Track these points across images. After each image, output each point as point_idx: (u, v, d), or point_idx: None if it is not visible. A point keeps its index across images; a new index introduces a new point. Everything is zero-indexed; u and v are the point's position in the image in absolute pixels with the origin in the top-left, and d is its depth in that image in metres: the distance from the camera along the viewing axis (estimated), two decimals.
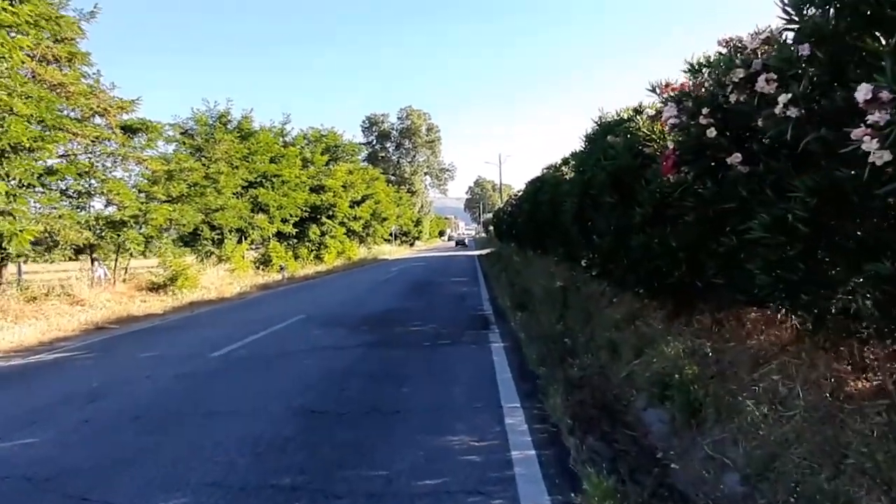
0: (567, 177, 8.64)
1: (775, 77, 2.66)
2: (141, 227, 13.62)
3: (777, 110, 2.35)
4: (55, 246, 11.84)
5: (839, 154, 2.19)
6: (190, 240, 18.78)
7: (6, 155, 9.82)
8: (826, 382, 2.93)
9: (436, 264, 27.32)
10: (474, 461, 3.30)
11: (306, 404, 4.54)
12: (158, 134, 15.04)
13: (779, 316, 3.71)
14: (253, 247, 22.95)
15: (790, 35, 2.84)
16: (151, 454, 3.59)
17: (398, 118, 70.75)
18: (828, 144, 2.35)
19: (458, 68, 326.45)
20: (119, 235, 13.03)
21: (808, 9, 2.52)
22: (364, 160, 51.29)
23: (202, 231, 18.49)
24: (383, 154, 69.59)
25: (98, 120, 13.00)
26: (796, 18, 2.59)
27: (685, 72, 3.77)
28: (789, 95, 2.32)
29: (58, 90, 11.47)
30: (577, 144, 7.14)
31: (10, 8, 9.83)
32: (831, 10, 2.43)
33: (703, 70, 3.65)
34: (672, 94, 4.05)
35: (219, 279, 16.73)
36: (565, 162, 10.04)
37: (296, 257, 24.56)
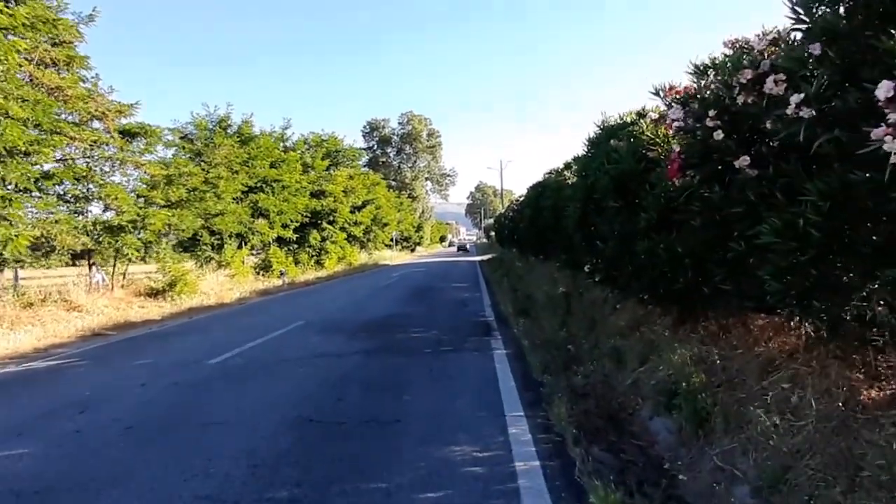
0: (569, 181, 8.58)
1: (784, 78, 2.60)
2: (139, 233, 13.53)
3: (789, 111, 2.28)
4: (52, 251, 11.73)
5: (854, 156, 2.12)
6: (189, 245, 18.70)
7: (2, 159, 9.74)
8: (838, 391, 2.85)
9: (437, 270, 27.25)
10: (477, 473, 3.21)
11: (304, 414, 4.44)
12: (157, 138, 15.00)
13: (787, 322, 3.63)
14: (253, 252, 22.89)
15: (797, 36, 2.79)
16: (143, 467, 3.49)
17: (399, 123, 70.94)
18: (841, 146, 2.28)
19: (459, 74, 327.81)
20: (117, 241, 12.94)
21: (817, 8, 2.45)
22: (365, 165, 51.31)
23: (201, 236, 18.41)
24: (384, 159, 69.65)
25: (96, 124, 12.95)
26: (805, 18, 2.52)
27: (690, 74, 3.71)
28: (802, 96, 2.25)
29: (55, 94, 11.42)
30: (579, 150, 7.09)
31: (6, 10, 9.78)
32: (841, 9, 2.37)
33: (709, 72, 3.60)
34: (676, 96, 4.00)
35: (218, 285, 16.65)
36: (567, 166, 9.99)
37: (296, 263, 24.48)
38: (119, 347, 8.41)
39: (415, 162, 71.05)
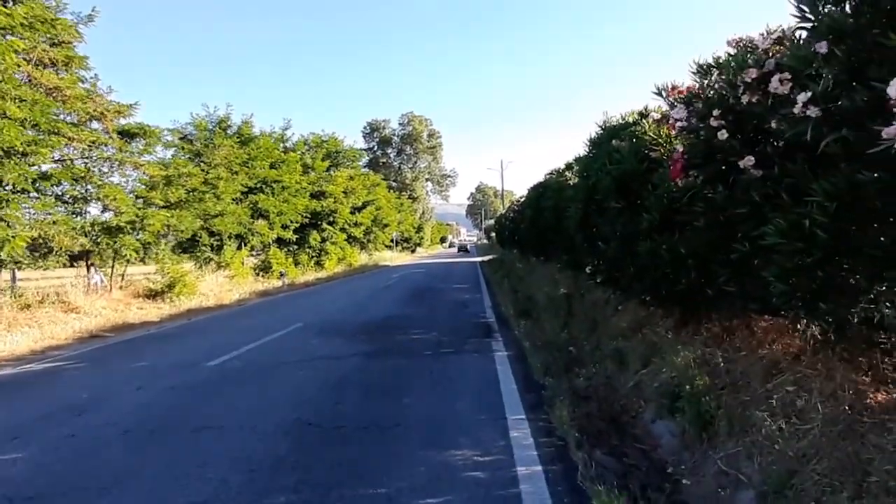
0: (571, 182, 8.54)
1: (790, 77, 2.56)
2: (138, 234, 13.47)
3: (796, 110, 2.23)
4: (50, 252, 11.67)
5: (862, 155, 2.08)
6: (188, 246, 18.64)
7: None
8: (844, 394, 2.81)
9: (437, 271, 27.22)
10: (479, 478, 3.17)
11: (303, 417, 4.39)
12: (157, 139, 14.95)
13: (791, 324, 3.59)
14: (253, 253, 22.84)
15: (803, 34, 2.75)
16: (139, 472, 3.44)
17: (399, 124, 70.78)
18: (848, 146, 2.24)
19: (460, 74, 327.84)
20: (115, 242, 12.88)
21: (823, 6, 2.41)
22: (365, 166, 51.26)
23: (201, 237, 18.36)
24: (384, 160, 69.52)
25: (95, 124, 12.88)
26: (810, 16, 2.49)
27: (693, 73, 3.67)
28: (809, 94, 2.21)
29: (54, 94, 11.36)
30: (580, 151, 7.05)
31: (3, 9, 9.72)
32: (847, 7, 2.34)
33: (712, 71, 3.56)
34: (679, 96, 3.96)
35: (218, 286, 16.60)
36: (569, 167, 9.95)
37: (296, 264, 24.43)
38: (116, 349, 8.36)
39: (415, 163, 70.94)
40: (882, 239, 2.30)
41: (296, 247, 25.72)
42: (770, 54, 2.87)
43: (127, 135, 13.87)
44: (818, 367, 3.09)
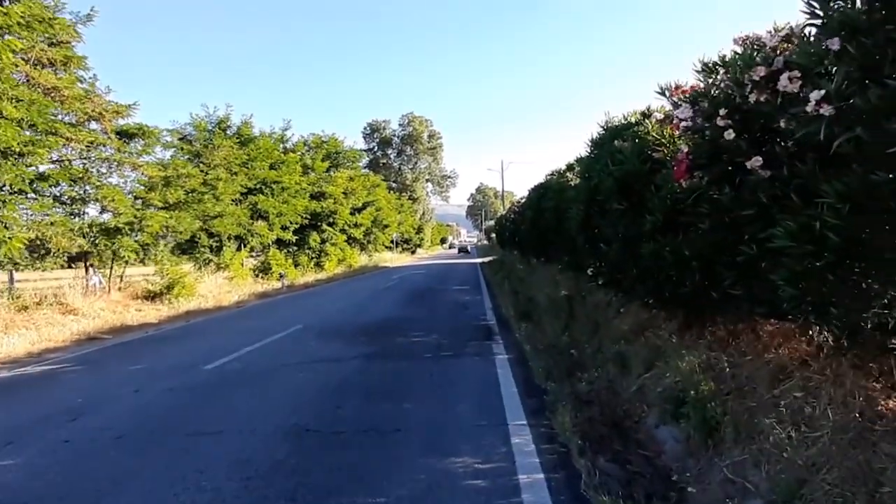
0: (572, 183, 8.47)
1: (799, 75, 2.49)
2: (136, 235, 13.40)
3: (809, 108, 2.16)
4: (47, 253, 11.60)
5: (880, 155, 2.01)
6: (188, 247, 18.57)
7: None
8: (854, 401, 2.74)
9: (437, 272, 27.16)
10: (479, 486, 3.09)
11: (301, 423, 4.32)
12: (156, 139, 14.88)
13: (797, 328, 3.52)
14: (252, 254, 22.76)
15: (812, 31, 2.68)
16: (133, 478, 3.37)
17: (400, 125, 70.63)
18: (861, 145, 2.17)
19: (460, 75, 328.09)
20: (113, 243, 12.82)
21: (834, 2, 2.34)
22: (365, 167, 51.21)
23: (200, 238, 18.29)
24: (385, 161, 69.39)
25: (93, 125, 12.80)
26: (820, 12, 2.41)
27: (698, 72, 3.60)
28: (822, 92, 2.14)
29: (52, 94, 11.29)
30: (582, 152, 6.98)
31: (0, 8, 9.66)
32: (858, 2, 2.27)
33: (718, 70, 3.49)
34: (682, 96, 3.89)
35: (217, 287, 16.54)
36: (570, 168, 9.89)
37: (296, 265, 24.36)
38: (114, 352, 8.29)
39: (415, 163, 70.81)
40: None
41: (295, 248, 25.65)
42: (778, 52, 2.81)
43: (125, 135, 13.80)
44: (827, 372, 3.03)
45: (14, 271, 11.47)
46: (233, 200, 19.60)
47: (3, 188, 10.14)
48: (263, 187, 22.18)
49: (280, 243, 23.86)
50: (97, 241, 12.55)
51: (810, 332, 3.30)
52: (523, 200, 19.27)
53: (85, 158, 12.53)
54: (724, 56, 3.36)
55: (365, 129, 70.72)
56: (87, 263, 13.51)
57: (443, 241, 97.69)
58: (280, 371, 6.27)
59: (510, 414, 4.39)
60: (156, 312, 12.48)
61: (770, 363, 3.47)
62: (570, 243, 7.66)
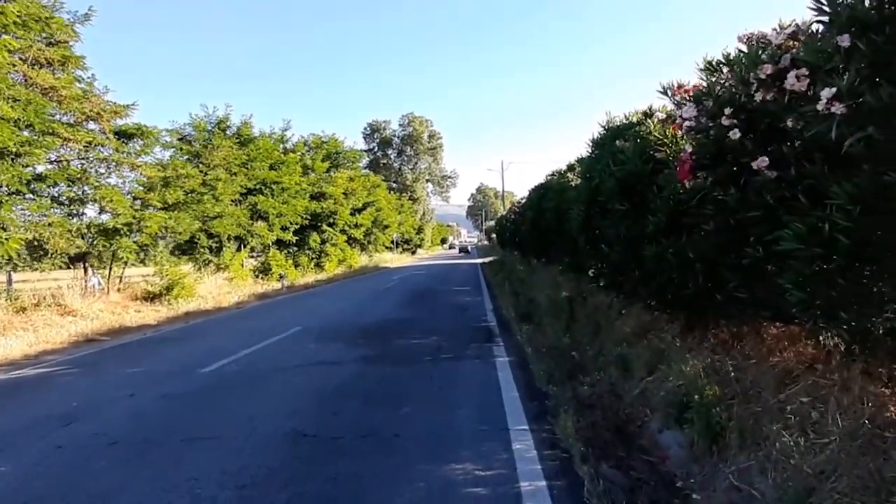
0: (573, 183, 8.41)
1: (807, 73, 2.42)
2: (135, 235, 13.34)
3: (819, 107, 2.09)
4: (46, 254, 11.54)
5: (890, 155, 1.95)
6: (187, 248, 18.51)
7: None
8: (863, 407, 2.67)
9: (438, 272, 27.09)
10: (480, 494, 3.03)
11: (298, 427, 4.25)
12: (154, 139, 14.82)
13: (803, 331, 3.45)
14: (252, 255, 22.70)
15: (819, 28, 2.62)
16: (125, 487, 3.30)
17: (400, 125, 70.53)
18: (872, 145, 2.10)
19: (460, 76, 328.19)
20: (112, 244, 12.76)
21: None
22: (365, 167, 51.16)
23: (199, 239, 18.22)
24: (385, 161, 69.29)
25: (91, 125, 12.74)
26: (828, 9, 2.35)
27: (701, 71, 3.54)
28: (833, 90, 2.07)
29: (49, 94, 11.23)
30: (583, 152, 6.92)
31: None
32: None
33: (722, 68, 3.42)
34: (685, 95, 3.83)
35: (216, 288, 16.47)
36: (571, 168, 9.83)
37: (296, 265, 24.30)
38: (111, 354, 8.23)
39: (416, 164, 70.69)
40: None
41: (295, 248, 25.59)
42: (784, 50, 2.74)
43: (124, 135, 13.74)
44: (834, 377, 2.96)
45: (12, 272, 11.41)
46: (232, 201, 19.54)
47: (0, 189, 10.08)
48: (263, 188, 22.12)
49: (280, 244, 23.80)
50: (95, 242, 12.50)
51: (820, 338, 3.22)
52: (524, 201, 19.21)
53: (83, 159, 12.47)
54: (729, 54, 3.29)
55: (365, 129, 70.66)
56: (86, 264, 13.45)
57: (443, 241, 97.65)
58: (278, 374, 6.20)
59: (511, 418, 4.32)
60: (155, 314, 12.42)
61: (775, 367, 3.41)
62: (571, 244, 7.59)
